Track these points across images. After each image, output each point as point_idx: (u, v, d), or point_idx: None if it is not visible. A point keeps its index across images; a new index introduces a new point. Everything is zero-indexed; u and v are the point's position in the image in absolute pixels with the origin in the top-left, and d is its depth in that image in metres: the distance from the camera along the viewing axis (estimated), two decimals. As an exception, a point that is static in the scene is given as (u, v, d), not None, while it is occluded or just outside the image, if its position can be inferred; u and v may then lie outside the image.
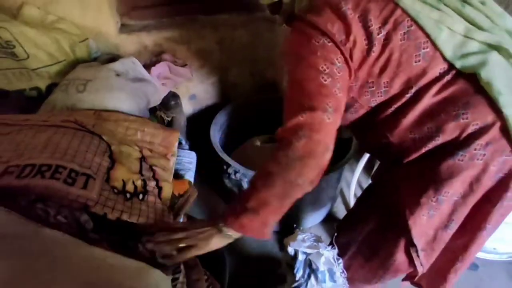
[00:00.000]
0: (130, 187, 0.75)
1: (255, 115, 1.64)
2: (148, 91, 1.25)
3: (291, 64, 0.66)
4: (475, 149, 0.63)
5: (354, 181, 1.53)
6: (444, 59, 0.63)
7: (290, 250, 1.10)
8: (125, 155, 0.83)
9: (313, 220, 1.53)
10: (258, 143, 1.52)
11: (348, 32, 0.63)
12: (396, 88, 0.66)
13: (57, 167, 0.65)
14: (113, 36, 1.40)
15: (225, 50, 1.53)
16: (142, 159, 0.89)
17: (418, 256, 0.73)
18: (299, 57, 0.64)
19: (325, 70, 0.62)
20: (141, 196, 0.76)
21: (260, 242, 1.33)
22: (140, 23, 1.46)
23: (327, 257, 1.06)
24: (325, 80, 0.62)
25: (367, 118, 0.75)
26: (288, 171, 0.61)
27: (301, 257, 1.08)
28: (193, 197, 1.03)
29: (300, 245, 1.09)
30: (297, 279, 1.03)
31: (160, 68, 1.33)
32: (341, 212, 1.61)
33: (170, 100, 1.50)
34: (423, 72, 0.63)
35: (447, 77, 0.63)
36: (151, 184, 0.81)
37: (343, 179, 1.55)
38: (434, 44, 0.62)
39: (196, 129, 1.51)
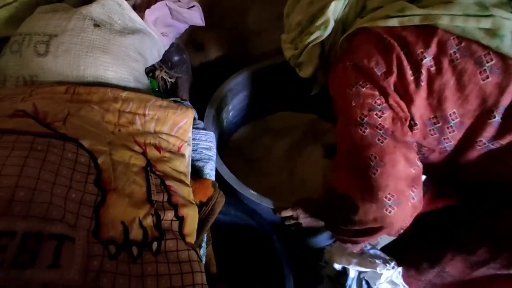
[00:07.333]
0: (136, 234, 0.46)
1: (277, 82, 1.23)
2: (144, 46, 0.89)
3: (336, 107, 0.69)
4: None
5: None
6: None
7: (338, 267, 0.87)
8: (121, 170, 0.52)
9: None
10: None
11: (389, 63, 0.60)
12: (470, 116, 0.58)
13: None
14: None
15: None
16: (148, 168, 0.58)
17: None
18: (338, 105, 0.68)
19: (363, 120, 0.62)
20: (155, 245, 0.47)
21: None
22: None
23: (388, 277, 0.83)
24: (364, 132, 0.62)
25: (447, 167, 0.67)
26: None
27: (352, 273, 0.87)
28: (220, 205, 0.76)
29: (350, 261, 0.85)
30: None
31: (158, 11, 0.95)
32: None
33: (173, 55, 1.14)
34: (500, 89, 0.55)
35: None
36: (168, 216, 0.51)
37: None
38: (499, 54, 0.54)
39: (203, 91, 1.16)
